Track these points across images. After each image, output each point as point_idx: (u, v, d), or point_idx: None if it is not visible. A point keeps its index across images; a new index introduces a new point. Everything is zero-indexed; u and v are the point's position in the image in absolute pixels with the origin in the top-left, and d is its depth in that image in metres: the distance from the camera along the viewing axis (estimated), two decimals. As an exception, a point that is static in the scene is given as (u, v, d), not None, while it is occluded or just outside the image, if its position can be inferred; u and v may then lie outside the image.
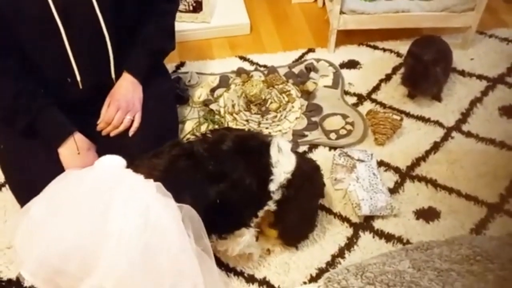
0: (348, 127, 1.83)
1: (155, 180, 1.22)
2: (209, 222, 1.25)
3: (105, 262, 1.10)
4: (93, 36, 1.46)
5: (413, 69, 1.83)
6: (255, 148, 1.34)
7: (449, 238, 1.22)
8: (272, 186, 1.32)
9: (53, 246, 1.13)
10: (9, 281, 1.45)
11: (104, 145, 1.51)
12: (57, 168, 1.42)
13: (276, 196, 1.34)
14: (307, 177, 1.41)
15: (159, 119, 1.61)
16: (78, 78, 1.49)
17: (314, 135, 1.81)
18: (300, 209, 1.41)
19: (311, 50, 2.16)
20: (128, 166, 1.28)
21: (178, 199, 1.21)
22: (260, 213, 1.35)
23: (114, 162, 1.25)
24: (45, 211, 1.17)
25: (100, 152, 1.50)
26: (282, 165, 1.33)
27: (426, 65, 1.79)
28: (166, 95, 1.72)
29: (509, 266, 1.07)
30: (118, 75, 1.57)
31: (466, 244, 1.15)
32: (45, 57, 1.46)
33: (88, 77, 1.50)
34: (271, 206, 1.35)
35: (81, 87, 1.50)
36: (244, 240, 1.34)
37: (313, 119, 1.87)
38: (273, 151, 1.33)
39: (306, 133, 1.82)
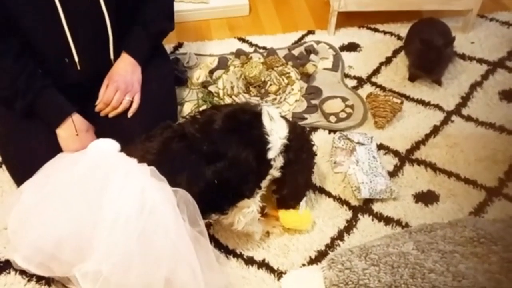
0: (348, 110, 1.82)
1: (149, 164, 1.20)
2: (208, 202, 1.24)
3: (100, 247, 1.09)
4: (92, 16, 1.43)
5: (427, 55, 1.82)
6: (246, 121, 1.32)
7: (452, 220, 1.23)
8: (271, 154, 1.31)
9: (46, 232, 1.11)
10: (7, 261, 1.43)
11: (102, 126, 1.50)
12: (55, 149, 1.41)
13: (278, 163, 1.34)
14: (303, 137, 1.43)
15: (158, 101, 1.59)
16: (76, 58, 1.46)
17: (314, 118, 1.80)
18: (305, 169, 1.43)
19: (310, 32, 2.14)
20: (121, 150, 1.26)
21: (173, 181, 1.20)
22: (264, 184, 1.35)
23: (108, 146, 1.23)
24: (38, 196, 1.15)
25: (99, 134, 1.48)
26: (277, 131, 1.33)
27: (439, 50, 1.80)
28: (165, 76, 1.70)
29: (513, 248, 1.08)
30: (117, 57, 1.54)
31: (470, 227, 1.15)
32: (42, 36, 1.42)
33: (86, 58, 1.48)
34: (274, 174, 1.35)
35: (79, 68, 1.48)
36: (250, 210, 1.33)
37: (313, 101, 1.85)
38: (265, 120, 1.32)
39: (305, 115, 1.80)
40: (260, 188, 1.35)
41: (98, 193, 1.13)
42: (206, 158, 1.25)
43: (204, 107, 1.82)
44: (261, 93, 1.86)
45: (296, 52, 2.03)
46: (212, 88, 1.88)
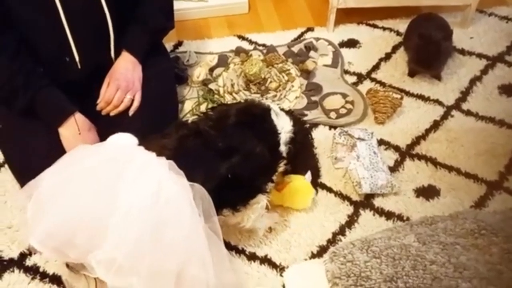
0: (348, 106, 1.82)
1: (169, 156, 1.21)
2: (224, 197, 1.25)
3: (115, 234, 1.10)
4: (92, 14, 1.43)
5: (425, 50, 1.82)
6: (258, 116, 1.37)
7: (453, 213, 1.23)
8: (282, 147, 1.38)
9: (63, 218, 1.12)
10: (11, 260, 1.44)
11: (103, 125, 1.50)
12: (58, 148, 1.41)
13: (284, 154, 1.40)
14: (304, 127, 1.55)
15: (159, 99, 1.60)
16: (77, 58, 1.46)
17: (314, 114, 1.81)
18: (310, 153, 1.58)
19: (310, 29, 2.15)
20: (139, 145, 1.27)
21: (189, 177, 1.20)
22: (275, 177, 1.38)
23: (126, 140, 1.25)
24: (57, 183, 1.16)
25: (100, 133, 1.48)
26: (282, 127, 1.39)
27: (438, 44, 1.81)
28: (165, 74, 1.71)
29: (513, 239, 1.09)
30: (118, 55, 1.54)
31: (471, 219, 1.16)
32: (43, 35, 1.43)
33: (87, 56, 1.48)
34: (281, 166, 1.41)
35: (79, 67, 1.48)
36: (260, 206, 1.35)
37: (313, 98, 1.86)
38: (273, 115, 1.39)
39: (306, 112, 1.81)
40: (272, 182, 1.37)
41: (115, 181, 1.14)
42: (221, 154, 1.27)
43: (204, 105, 1.83)
44: (261, 90, 1.86)
45: (295, 49, 2.04)
46: (212, 86, 1.89)
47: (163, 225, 1.12)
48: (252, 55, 1.99)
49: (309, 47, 2.02)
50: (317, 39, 2.07)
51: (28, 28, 1.41)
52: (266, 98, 1.84)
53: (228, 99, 1.84)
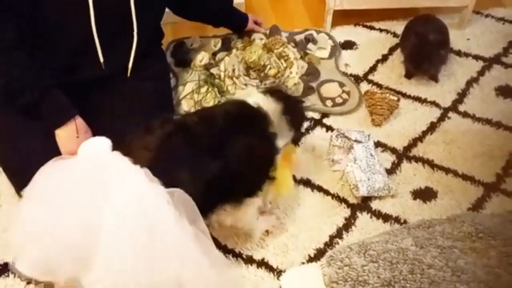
0: (344, 96, 1.84)
1: (148, 160, 1.17)
2: (215, 198, 1.25)
3: (106, 254, 1.08)
4: (121, 24, 1.47)
5: (419, 49, 1.82)
6: (251, 114, 1.33)
7: (450, 216, 1.23)
8: (280, 143, 1.35)
9: (50, 242, 1.10)
10: (6, 264, 1.43)
11: (99, 126, 1.49)
12: (53, 150, 1.40)
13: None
14: (294, 103, 1.49)
15: (154, 102, 1.60)
16: (101, 59, 1.49)
17: (311, 101, 1.81)
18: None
19: (307, 31, 2.14)
20: (119, 145, 1.21)
21: (176, 178, 1.17)
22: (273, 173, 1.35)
23: (99, 146, 1.20)
24: (38, 207, 1.14)
25: (95, 133, 1.47)
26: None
27: (431, 45, 1.81)
28: (161, 76, 1.72)
29: (511, 242, 1.09)
30: (135, 64, 1.56)
31: (468, 222, 1.15)
32: (71, 32, 1.45)
33: (110, 58, 1.50)
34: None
35: (103, 67, 1.51)
36: (256, 206, 1.34)
37: (310, 84, 1.87)
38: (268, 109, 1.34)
39: (303, 99, 1.79)
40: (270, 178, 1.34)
41: (98, 199, 1.11)
42: (209, 152, 1.22)
43: (205, 87, 1.84)
44: (261, 77, 1.87)
45: (297, 38, 2.05)
46: (214, 70, 1.90)
47: (152, 235, 1.10)
48: (254, 39, 2.00)
49: (309, 39, 2.03)
50: (318, 31, 2.08)
51: (57, 23, 1.42)
52: (265, 84, 1.84)
53: (228, 83, 1.86)
